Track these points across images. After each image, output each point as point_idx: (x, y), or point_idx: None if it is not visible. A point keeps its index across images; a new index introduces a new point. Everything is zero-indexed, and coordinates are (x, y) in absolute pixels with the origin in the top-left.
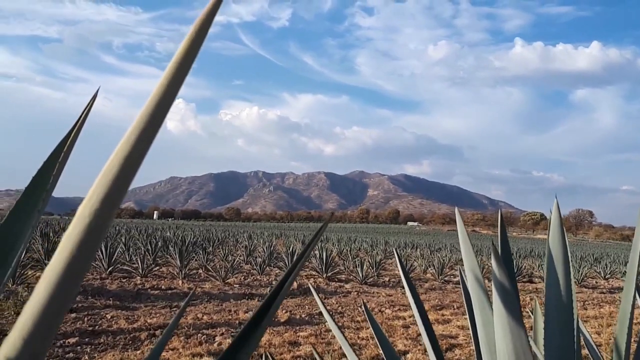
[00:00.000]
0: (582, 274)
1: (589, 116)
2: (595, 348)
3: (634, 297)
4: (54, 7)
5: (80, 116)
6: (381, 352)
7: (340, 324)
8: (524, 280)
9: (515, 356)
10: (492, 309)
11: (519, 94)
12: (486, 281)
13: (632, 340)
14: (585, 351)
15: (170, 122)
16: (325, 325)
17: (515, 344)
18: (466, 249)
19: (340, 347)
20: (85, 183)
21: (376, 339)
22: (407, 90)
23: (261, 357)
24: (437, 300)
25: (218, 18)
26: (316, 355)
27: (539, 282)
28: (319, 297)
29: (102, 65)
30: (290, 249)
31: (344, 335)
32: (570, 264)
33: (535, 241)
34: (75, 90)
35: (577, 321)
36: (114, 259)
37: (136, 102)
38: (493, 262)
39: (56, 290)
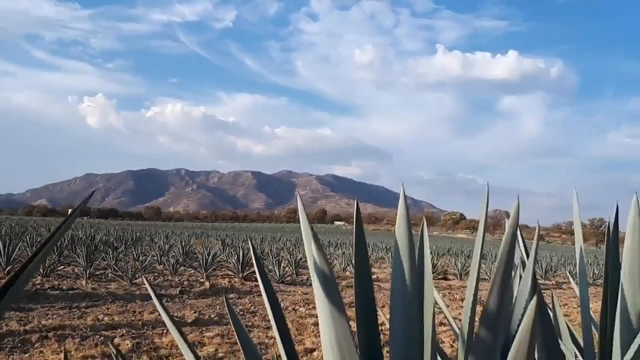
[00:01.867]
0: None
1: (514, 122)
2: (454, 324)
3: (477, 284)
4: None
5: None
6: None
7: (250, 324)
8: (439, 277)
9: (338, 344)
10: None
11: (448, 100)
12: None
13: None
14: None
15: (90, 117)
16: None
17: (337, 331)
18: (307, 239)
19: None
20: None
21: (237, 339)
22: (344, 94)
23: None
24: (352, 297)
25: (159, 17)
26: None
27: (453, 279)
28: (230, 297)
29: (31, 60)
30: (208, 250)
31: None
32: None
33: (455, 240)
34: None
35: (431, 311)
36: (13, 257)
37: (62, 96)
38: (313, 247)
39: None
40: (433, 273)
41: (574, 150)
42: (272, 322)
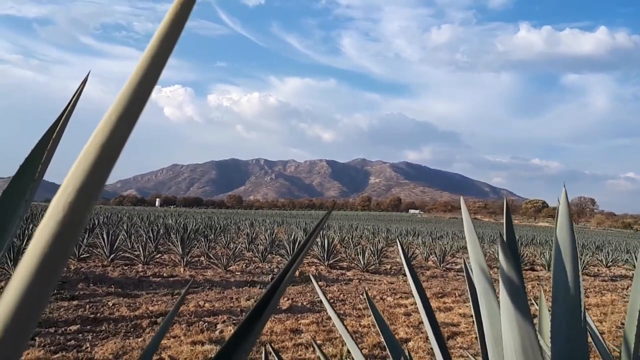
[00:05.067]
0: (584, 262)
1: (581, 100)
2: (600, 337)
3: None
4: None
5: (70, 101)
6: (382, 339)
7: (341, 312)
8: (526, 268)
9: (523, 351)
10: (498, 301)
11: (507, 77)
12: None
13: None
14: (588, 339)
15: (167, 108)
16: (327, 313)
17: (523, 338)
18: (472, 239)
19: (342, 335)
20: None
21: (377, 327)
22: (393, 72)
23: (263, 345)
24: (438, 288)
25: None
26: (315, 347)
27: (541, 269)
28: (319, 285)
29: (80, 47)
30: (292, 237)
31: (343, 323)
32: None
33: (537, 229)
34: (55, 72)
35: (585, 313)
36: (115, 246)
37: (119, 84)
38: (500, 254)
39: (28, 291)
40: (520, 264)
41: None
42: (427, 327)
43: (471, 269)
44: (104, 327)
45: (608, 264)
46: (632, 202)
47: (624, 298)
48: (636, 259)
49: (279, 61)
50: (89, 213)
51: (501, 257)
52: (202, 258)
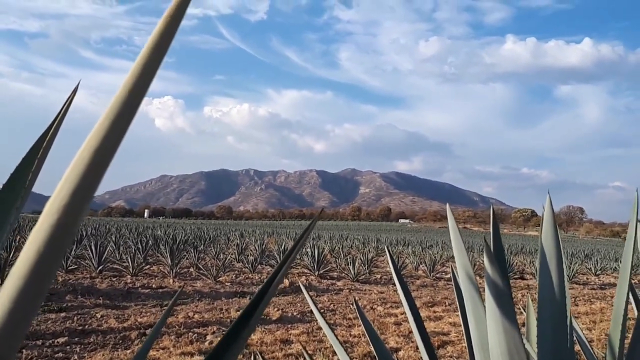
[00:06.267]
0: (573, 270)
1: (574, 111)
2: (588, 344)
3: (627, 293)
4: (28, 0)
5: (60, 111)
6: (373, 349)
7: (332, 322)
8: (516, 277)
9: (509, 355)
10: (484, 307)
11: (501, 88)
12: (478, 278)
13: (625, 336)
14: (577, 347)
15: (158, 119)
16: (317, 323)
17: (509, 342)
18: (458, 246)
19: (332, 345)
20: None
21: (367, 337)
22: (390, 85)
23: (252, 356)
24: (428, 297)
25: (193, 11)
26: (306, 355)
27: (531, 278)
28: (309, 295)
29: (80, 60)
30: (282, 247)
31: (334, 333)
32: (563, 260)
33: (526, 238)
34: (52, 85)
35: (570, 318)
36: (104, 257)
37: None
38: (486, 259)
39: (22, 293)
40: (510, 272)
41: None
42: (416, 334)
43: (458, 275)
44: (92, 339)
45: (597, 273)
46: (620, 211)
47: (613, 306)
48: None
49: (278, 74)
50: (82, 216)
51: (486, 262)
52: (191, 269)
